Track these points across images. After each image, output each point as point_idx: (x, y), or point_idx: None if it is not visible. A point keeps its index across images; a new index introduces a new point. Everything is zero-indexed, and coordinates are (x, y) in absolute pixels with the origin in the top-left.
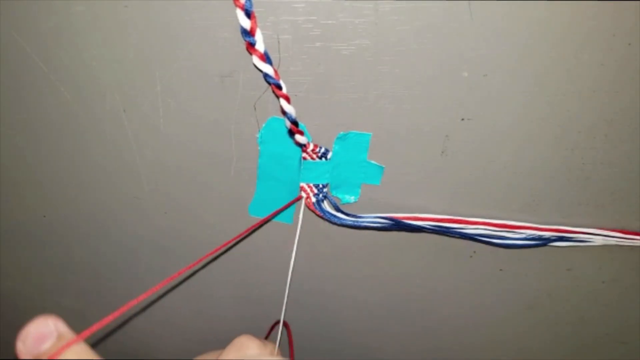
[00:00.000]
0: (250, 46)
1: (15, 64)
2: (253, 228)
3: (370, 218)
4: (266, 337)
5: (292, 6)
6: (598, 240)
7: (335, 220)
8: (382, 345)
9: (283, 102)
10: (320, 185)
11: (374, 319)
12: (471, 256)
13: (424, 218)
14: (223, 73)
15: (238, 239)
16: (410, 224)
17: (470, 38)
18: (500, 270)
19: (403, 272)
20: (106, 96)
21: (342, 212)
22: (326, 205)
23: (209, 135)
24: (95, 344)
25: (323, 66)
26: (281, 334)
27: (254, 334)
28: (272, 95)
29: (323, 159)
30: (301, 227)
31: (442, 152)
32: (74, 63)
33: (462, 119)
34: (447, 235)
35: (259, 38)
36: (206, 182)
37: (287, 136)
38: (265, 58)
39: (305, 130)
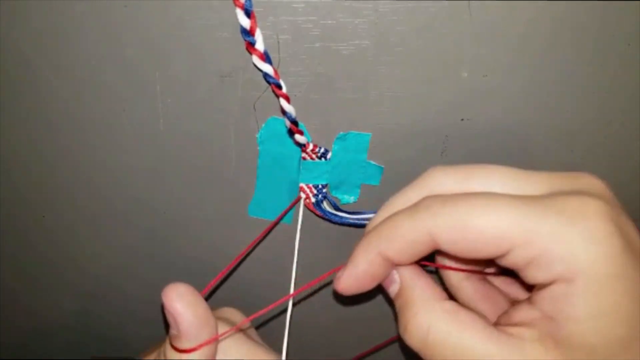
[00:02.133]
0: (250, 46)
1: (15, 64)
2: (265, 232)
3: (372, 214)
4: None
5: (292, 6)
6: None
7: (336, 219)
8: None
9: (283, 101)
10: (320, 186)
11: (374, 319)
12: None
13: None
14: (223, 73)
15: (256, 243)
16: None
17: (470, 38)
18: None
19: None
20: (106, 96)
21: (343, 212)
22: (326, 206)
23: (208, 135)
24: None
25: (323, 66)
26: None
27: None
28: (272, 95)
29: (322, 159)
30: (300, 227)
31: (442, 152)
32: (74, 63)
33: (462, 119)
34: None
35: (258, 38)
36: (205, 182)
37: (286, 136)
38: (265, 57)
39: (304, 130)
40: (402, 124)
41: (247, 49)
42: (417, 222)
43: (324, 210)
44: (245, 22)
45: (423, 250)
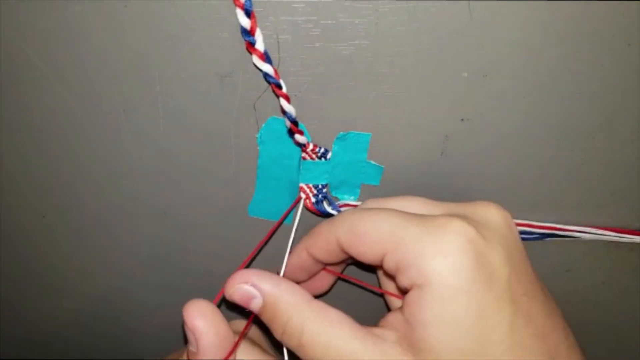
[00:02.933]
0: (250, 45)
1: (15, 64)
2: (270, 234)
3: None
4: None
5: (292, 6)
6: (593, 237)
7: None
8: None
9: (283, 101)
10: (320, 186)
11: (374, 319)
12: None
13: None
14: (222, 73)
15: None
16: None
17: (470, 38)
18: None
19: None
20: (105, 96)
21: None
22: (326, 206)
23: (208, 135)
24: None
25: (323, 66)
26: None
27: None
28: (272, 95)
29: (322, 159)
30: (300, 227)
31: (442, 152)
32: (74, 63)
33: (462, 119)
34: None
35: (258, 37)
36: (205, 182)
37: (286, 136)
38: (265, 57)
39: (304, 130)
40: (402, 124)
41: (247, 48)
42: (330, 226)
43: (324, 210)
44: (245, 22)
45: (336, 250)
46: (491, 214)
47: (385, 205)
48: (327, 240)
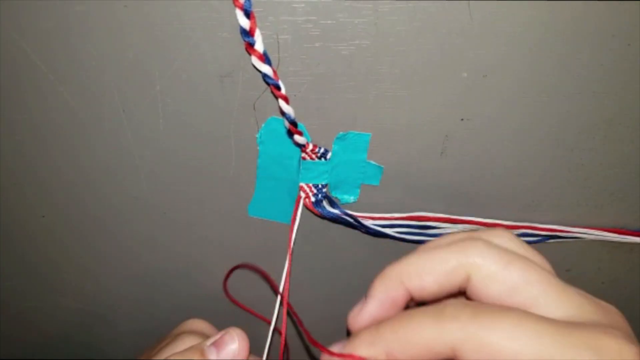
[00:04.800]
0: (250, 46)
1: (15, 64)
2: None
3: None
4: None
5: (292, 6)
6: (594, 237)
7: (334, 216)
8: None
9: (282, 102)
10: (320, 186)
11: None
12: None
13: (424, 217)
14: (222, 73)
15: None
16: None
17: (470, 38)
18: None
19: None
20: (105, 96)
21: (341, 209)
22: (325, 205)
23: (208, 135)
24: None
25: (323, 66)
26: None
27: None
28: (272, 95)
29: (322, 159)
30: (299, 227)
31: (442, 152)
32: (74, 63)
33: (462, 119)
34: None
35: (258, 38)
36: (205, 182)
37: (286, 136)
38: (265, 58)
39: (304, 130)
40: (402, 124)
41: (246, 49)
42: (442, 331)
43: (323, 209)
44: (245, 22)
45: (459, 282)
46: (622, 322)
47: (509, 269)
48: (433, 348)
